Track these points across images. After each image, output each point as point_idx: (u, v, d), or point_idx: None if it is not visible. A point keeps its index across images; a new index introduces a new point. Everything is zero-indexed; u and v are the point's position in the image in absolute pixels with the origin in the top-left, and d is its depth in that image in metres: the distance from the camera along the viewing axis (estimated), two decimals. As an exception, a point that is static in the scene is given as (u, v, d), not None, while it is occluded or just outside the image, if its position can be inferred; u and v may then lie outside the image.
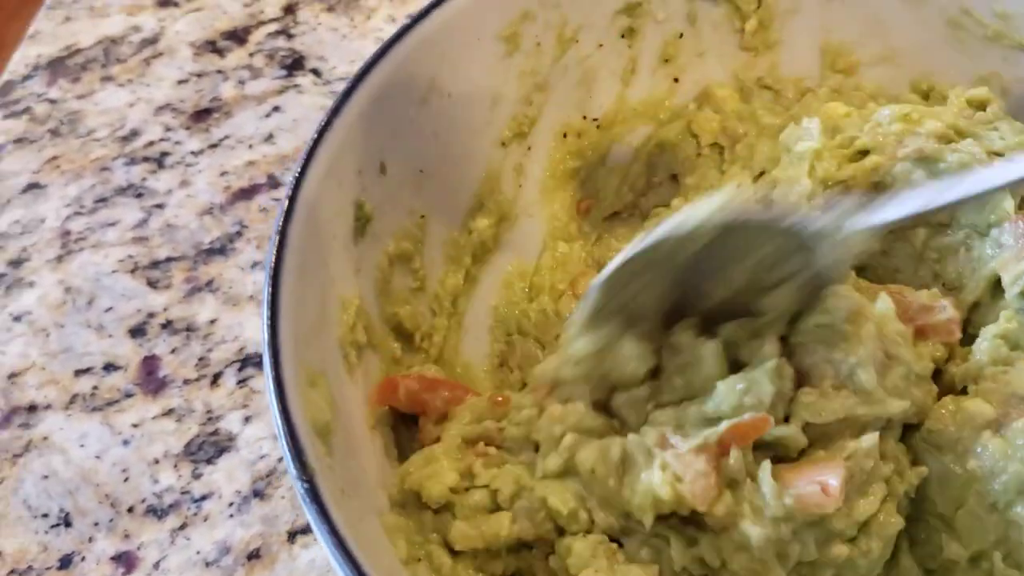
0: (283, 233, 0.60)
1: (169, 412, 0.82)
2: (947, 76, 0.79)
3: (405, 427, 0.70)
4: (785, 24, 0.82)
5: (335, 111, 0.66)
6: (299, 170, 0.63)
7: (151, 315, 0.88)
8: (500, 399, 0.66)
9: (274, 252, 0.59)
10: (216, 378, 0.84)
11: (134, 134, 1.03)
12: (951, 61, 0.79)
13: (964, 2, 0.76)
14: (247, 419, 0.81)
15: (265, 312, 0.57)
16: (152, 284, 0.90)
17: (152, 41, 1.12)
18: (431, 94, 0.73)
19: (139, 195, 0.98)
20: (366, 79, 0.68)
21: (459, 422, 0.65)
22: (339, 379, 0.65)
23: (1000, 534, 0.57)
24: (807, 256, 0.58)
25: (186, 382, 0.83)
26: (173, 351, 0.85)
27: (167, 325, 0.87)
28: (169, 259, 0.92)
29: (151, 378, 0.84)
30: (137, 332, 0.87)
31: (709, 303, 0.61)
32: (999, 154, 0.68)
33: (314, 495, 0.51)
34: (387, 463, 0.67)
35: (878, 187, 0.69)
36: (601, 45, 0.81)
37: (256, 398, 0.81)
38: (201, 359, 0.85)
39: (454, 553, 0.63)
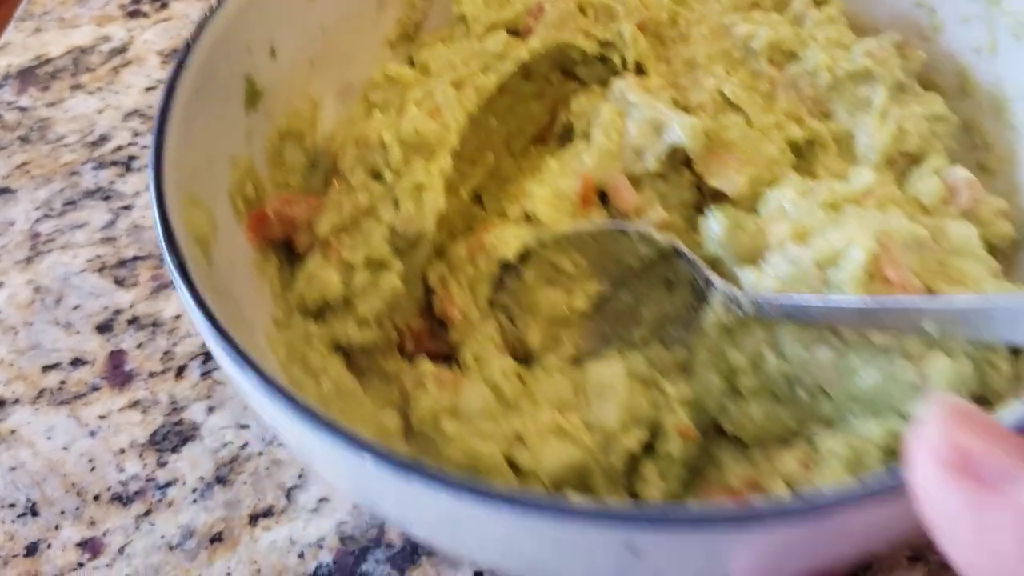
0: (172, 83, 0.70)
1: (135, 404, 0.84)
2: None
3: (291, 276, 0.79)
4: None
5: (225, -8, 0.76)
6: (192, 36, 0.73)
7: (118, 312, 0.91)
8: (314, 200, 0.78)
9: (165, 95, 0.69)
10: (181, 371, 0.86)
11: (103, 139, 1.07)
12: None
13: None
14: (210, 409, 0.84)
15: (153, 137, 0.66)
16: (119, 282, 0.93)
17: (121, 50, 1.16)
18: (318, -10, 0.84)
19: (107, 198, 1.01)
20: (255, -31, 0.78)
21: (322, 227, 0.76)
22: (228, 223, 0.74)
23: (767, 336, 0.67)
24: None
25: (151, 375, 0.86)
26: (139, 346, 0.88)
27: (133, 321, 0.90)
28: (136, 258, 0.96)
29: (117, 372, 0.86)
30: (104, 328, 0.90)
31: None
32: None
33: (184, 271, 0.60)
34: (271, 302, 0.76)
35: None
36: (478, -44, 0.91)
37: (220, 389, 0.85)
38: (166, 353, 0.88)
39: (341, 351, 0.74)
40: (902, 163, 0.77)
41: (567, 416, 0.69)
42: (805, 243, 0.66)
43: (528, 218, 0.77)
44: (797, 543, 0.48)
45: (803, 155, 0.79)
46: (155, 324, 0.90)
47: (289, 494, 0.78)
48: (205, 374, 0.86)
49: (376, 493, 0.54)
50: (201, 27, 0.74)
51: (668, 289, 0.74)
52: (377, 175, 0.79)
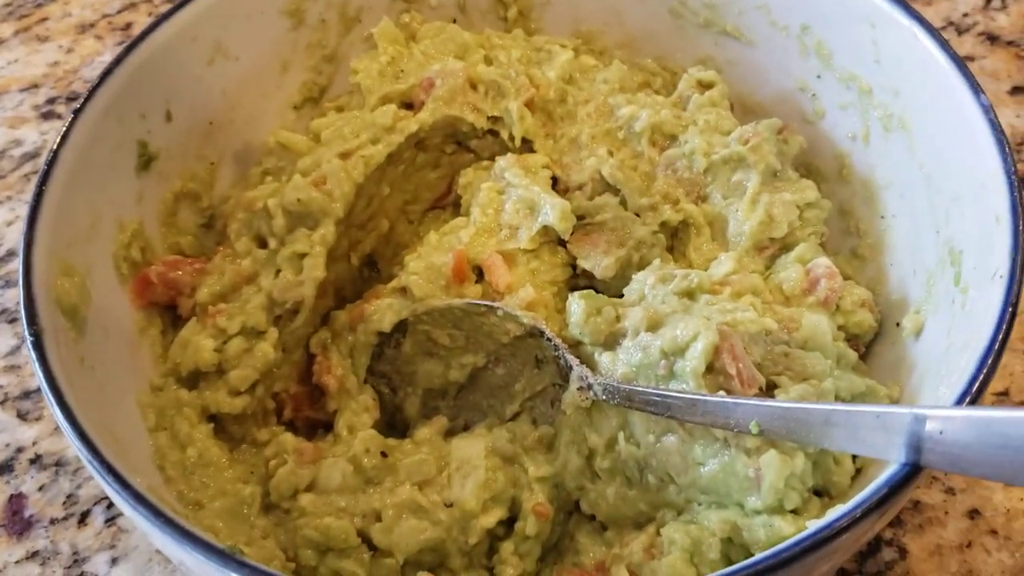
0: (55, 153, 0.72)
1: (33, 555, 0.81)
2: (675, 59, 0.93)
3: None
4: (542, 14, 0.95)
5: (117, 61, 0.78)
6: (78, 106, 0.75)
7: (20, 450, 0.87)
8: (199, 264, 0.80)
9: (45, 166, 0.71)
10: (84, 517, 0.83)
11: (10, 255, 1.01)
12: (676, 46, 0.92)
13: (680, -7, 0.90)
14: (114, 560, 0.80)
15: (29, 209, 0.68)
16: (23, 416, 0.89)
17: (34, 156, 1.10)
18: (217, 55, 0.85)
19: (12, 320, 0.96)
20: (150, 36, 0.80)
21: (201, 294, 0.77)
22: (109, 287, 0.75)
23: (621, 421, 0.69)
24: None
25: (53, 521, 0.83)
26: (41, 488, 0.84)
27: (36, 460, 0.86)
28: (40, 389, 0.87)
29: (16, 518, 0.83)
30: (4, 469, 0.86)
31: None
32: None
33: (39, 344, 0.62)
34: (151, 366, 0.78)
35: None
36: (382, 25, 0.93)
37: (124, 537, 0.81)
38: (69, 496, 0.84)
39: (212, 419, 0.75)
40: (773, 249, 0.79)
41: (427, 493, 0.71)
42: (656, 332, 0.68)
43: (404, 291, 0.78)
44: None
45: (678, 236, 0.81)
46: (59, 464, 0.86)
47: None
48: (109, 520, 0.82)
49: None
50: (87, 98, 0.75)
51: (538, 366, 0.76)
52: (262, 242, 0.80)
